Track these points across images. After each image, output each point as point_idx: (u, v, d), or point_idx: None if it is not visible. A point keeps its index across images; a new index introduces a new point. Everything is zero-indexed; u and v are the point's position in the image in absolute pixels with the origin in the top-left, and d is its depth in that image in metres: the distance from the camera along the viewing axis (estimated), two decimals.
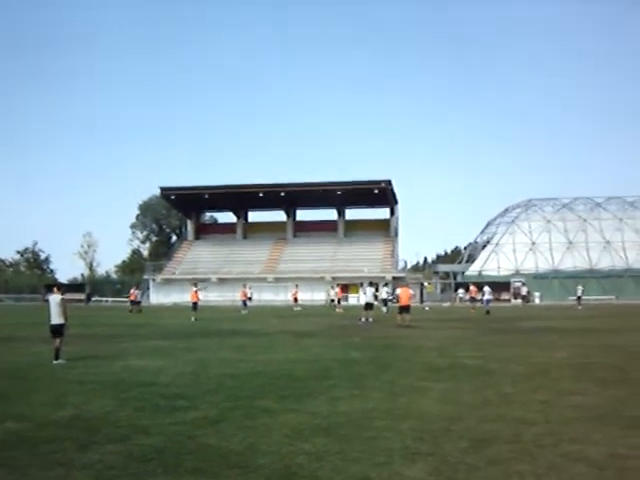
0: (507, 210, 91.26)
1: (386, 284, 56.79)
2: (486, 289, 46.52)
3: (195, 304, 39.20)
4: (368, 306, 33.66)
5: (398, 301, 30.76)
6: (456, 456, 6.99)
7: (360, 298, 33.97)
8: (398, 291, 32.29)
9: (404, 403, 10.13)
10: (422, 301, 67.50)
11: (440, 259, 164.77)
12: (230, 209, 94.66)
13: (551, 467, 6.52)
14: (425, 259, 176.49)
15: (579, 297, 54.02)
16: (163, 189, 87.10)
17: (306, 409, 9.72)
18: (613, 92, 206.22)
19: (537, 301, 73.39)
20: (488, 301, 45.17)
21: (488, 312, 42.27)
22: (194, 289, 40.62)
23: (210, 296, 75.62)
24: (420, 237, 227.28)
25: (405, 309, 29.48)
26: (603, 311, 46.32)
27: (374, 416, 9.13)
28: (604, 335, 23.70)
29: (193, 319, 36.35)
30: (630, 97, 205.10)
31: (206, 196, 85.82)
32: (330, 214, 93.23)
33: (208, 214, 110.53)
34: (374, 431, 8.22)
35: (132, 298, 54.27)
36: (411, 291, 35.16)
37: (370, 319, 32.80)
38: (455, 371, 13.86)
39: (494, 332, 25.93)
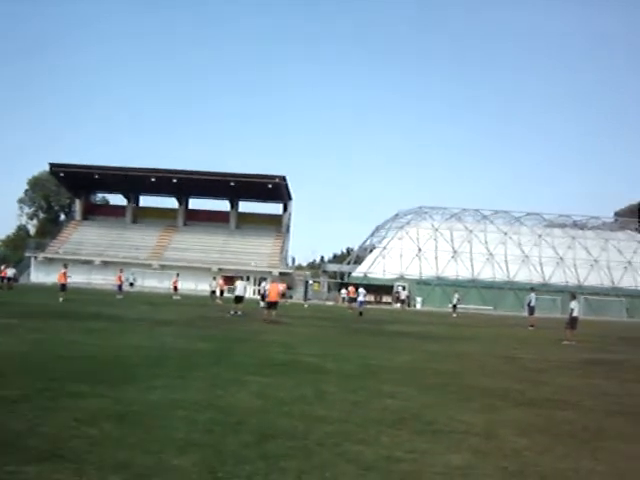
0: (397, 215, 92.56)
1: (264, 279, 56.79)
2: (361, 290, 47.21)
3: (64, 285, 38.22)
4: (238, 299, 33.59)
5: (268, 296, 30.77)
6: (233, 449, 6.94)
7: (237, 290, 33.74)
8: (267, 287, 32.35)
9: (217, 396, 10.05)
10: (305, 298, 67.85)
11: (336, 259, 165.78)
12: (121, 191, 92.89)
13: (320, 465, 6.55)
14: (322, 258, 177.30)
15: (454, 305, 55.27)
16: (52, 165, 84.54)
17: (115, 395, 9.52)
18: (509, 105, 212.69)
19: (418, 306, 74.81)
20: (362, 302, 45.75)
21: (361, 313, 42.88)
22: (62, 270, 39.62)
23: (93, 278, 74.22)
24: (319, 236, 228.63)
25: (273, 305, 29.52)
26: (476, 320, 47.57)
27: (178, 406, 9.01)
28: (461, 343, 24.32)
29: (61, 300, 35.47)
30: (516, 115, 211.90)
31: (96, 176, 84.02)
32: (223, 205, 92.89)
33: (100, 195, 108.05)
34: (167, 421, 8.11)
35: (2, 275, 52.87)
36: (281, 287, 35.33)
37: (239, 312, 32.72)
38: (288, 367, 13.88)
39: (355, 332, 26.31)
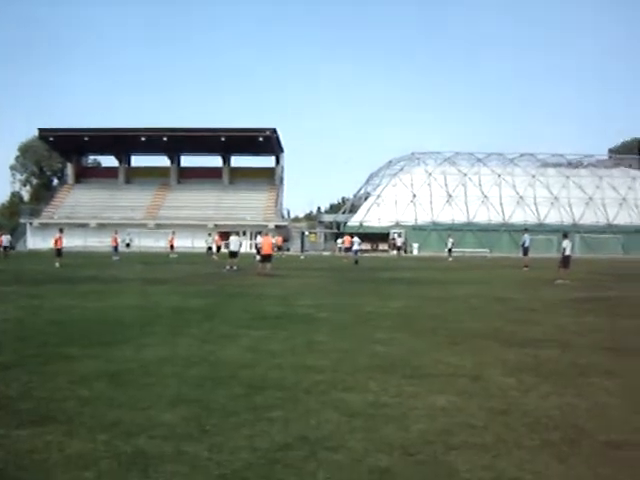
0: (391, 162, 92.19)
1: (260, 233, 56.77)
2: (355, 239, 47.30)
3: (59, 250, 38.12)
4: (232, 254, 33.71)
5: (260, 249, 30.82)
6: (221, 402, 7.05)
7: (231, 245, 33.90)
8: (260, 240, 32.43)
9: (208, 351, 10.16)
10: (302, 250, 68.04)
11: (333, 209, 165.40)
12: (112, 153, 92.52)
13: (305, 414, 6.66)
14: (318, 209, 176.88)
15: (450, 249, 55.41)
16: (42, 130, 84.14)
17: (107, 356, 9.63)
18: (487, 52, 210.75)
19: (415, 252, 75.09)
20: (357, 251, 45.89)
21: (357, 262, 43.10)
22: (58, 235, 39.52)
23: (89, 241, 74.24)
24: (315, 187, 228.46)
25: (267, 258, 29.59)
26: (471, 263, 47.78)
27: (169, 363, 9.12)
28: (454, 286, 24.44)
29: (57, 265, 35.48)
30: (505, 60, 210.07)
31: (86, 139, 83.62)
32: (215, 161, 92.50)
33: (92, 158, 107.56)
34: (158, 377, 8.22)
35: None
36: (273, 240, 35.35)
37: (235, 267, 32.83)
38: (281, 320, 13.99)
39: (350, 281, 26.48)
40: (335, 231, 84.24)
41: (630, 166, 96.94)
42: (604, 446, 5.77)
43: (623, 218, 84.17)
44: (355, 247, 46.35)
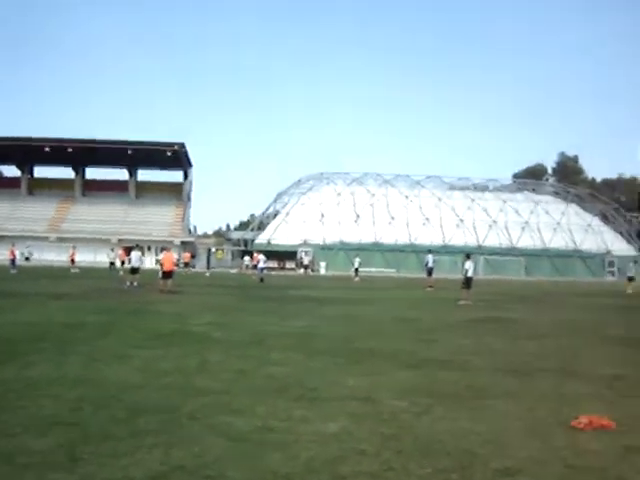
0: (300, 181, 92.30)
1: (165, 249, 55.79)
2: (260, 257, 46.84)
3: None
4: (134, 270, 32.87)
5: (161, 266, 30.10)
6: (100, 427, 6.63)
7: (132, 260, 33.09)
8: (161, 256, 31.75)
9: (96, 370, 9.69)
10: (208, 267, 67.24)
11: (242, 226, 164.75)
12: (14, 163, 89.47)
13: (189, 439, 6.29)
14: (227, 225, 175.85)
15: (356, 269, 55.54)
16: None
17: None
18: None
19: (322, 271, 75.08)
20: (262, 269, 45.48)
21: (262, 280, 42.72)
22: None
23: None
24: (224, 203, 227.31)
25: (168, 275, 28.94)
26: (377, 283, 47.98)
27: (53, 383, 8.66)
28: (358, 306, 24.41)
29: None
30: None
31: None
32: (121, 174, 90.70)
33: None
34: (37, 400, 7.72)
35: None
36: (175, 256, 34.74)
37: (135, 283, 32.00)
38: (177, 338, 13.56)
39: (253, 299, 26.12)
40: (243, 248, 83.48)
41: (533, 191, 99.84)
42: (497, 474, 5.59)
43: (525, 241, 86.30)
44: (261, 265, 45.87)
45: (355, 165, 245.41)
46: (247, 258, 66.15)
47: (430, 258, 41.54)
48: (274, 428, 6.80)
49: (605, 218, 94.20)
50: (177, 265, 48.16)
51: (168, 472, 5.40)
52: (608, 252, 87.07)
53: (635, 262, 52.05)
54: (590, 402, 8.45)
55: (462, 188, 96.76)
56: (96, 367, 9.96)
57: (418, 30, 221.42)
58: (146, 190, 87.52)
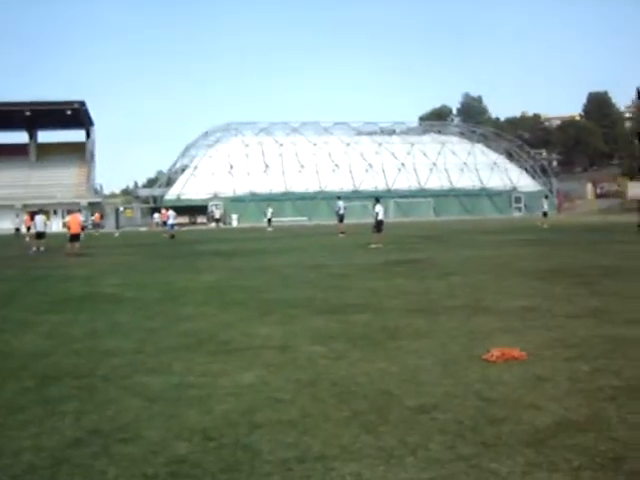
0: (207, 133, 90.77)
1: (72, 211, 54.51)
2: (170, 213, 46.32)
3: None
4: (39, 235, 31.96)
5: (68, 229, 29.32)
6: (8, 398, 6.39)
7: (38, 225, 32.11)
8: (67, 219, 30.97)
9: (2, 340, 9.39)
10: (117, 227, 66.02)
11: (150, 183, 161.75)
12: None
13: (102, 403, 6.14)
14: (135, 183, 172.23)
15: (269, 219, 55.40)
16: None
17: None
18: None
19: (234, 224, 74.67)
20: (172, 225, 44.94)
21: (173, 236, 42.26)
22: None
23: None
24: (131, 161, 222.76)
25: (75, 237, 28.26)
26: (290, 232, 47.94)
27: None
28: (271, 256, 24.48)
29: None
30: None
31: None
32: (21, 137, 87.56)
33: None
34: None
35: None
36: (81, 218, 33.91)
37: (42, 248, 31.14)
38: (85, 302, 13.25)
39: (164, 257, 25.83)
40: (152, 205, 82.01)
41: (439, 132, 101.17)
42: (413, 412, 5.64)
43: (434, 182, 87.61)
44: (170, 221, 45.27)
45: (263, 114, 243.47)
46: (157, 215, 65.26)
47: (341, 204, 41.76)
48: (190, 384, 6.71)
49: (510, 156, 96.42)
50: (85, 227, 47.11)
51: (82, 438, 5.25)
52: (514, 189, 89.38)
53: (546, 197, 53.43)
54: (501, 335, 8.65)
55: (370, 133, 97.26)
56: (2, 337, 9.63)
57: None
58: (48, 152, 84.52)
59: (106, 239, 45.96)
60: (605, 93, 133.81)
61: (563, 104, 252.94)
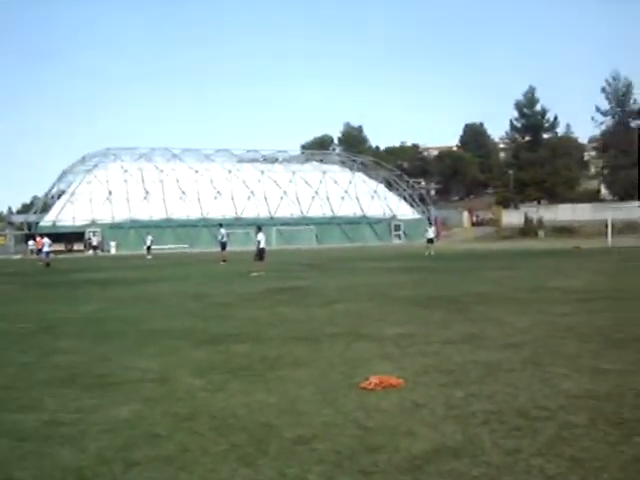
0: (84, 158, 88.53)
1: None
2: (45, 240, 44.91)
3: None
4: None
5: None
6: None
7: None
8: None
9: None
10: None
11: (25, 208, 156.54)
12: None
13: None
14: (9, 208, 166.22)
15: (149, 247, 54.55)
16: None
17: None
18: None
19: (113, 251, 73.13)
20: (47, 253, 43.61)
21: (48, 264, 40.99)
22: None
23: None
24: (4, 185, 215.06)
25: None
26: (170, 260, 47.46)
27: None
28: (150, 285, 24.07)
29: None
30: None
31: None
32: None
33: None
34: None
35: None
36: None
37: None
38: None
39: (38, 286, 25.06)
40: (27, 232, 79.20)
41: (321, 161, 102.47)
42: (292, 443, 5.63)
43: (316, 210, 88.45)
44: (46, 248, 43.85)
45: (142, 139, 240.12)
46: (31, 242, 63.19)
47: (223, 232, 41.60)
48: (63, 421, 6.46)
49: (389, 184, 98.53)
50: None
51: None
52: (394, 216, 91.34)
53: (430, 224, 54.71)
54: (379, 362, 8.78)
55: (252, 160, 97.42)
56: None
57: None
58: None
59: None
60: (481, 125, 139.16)
61: (441, 135, 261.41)
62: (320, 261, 39.45)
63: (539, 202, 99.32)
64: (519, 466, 4.91)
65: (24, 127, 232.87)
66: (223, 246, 40.93)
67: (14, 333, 12.65)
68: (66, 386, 7.98)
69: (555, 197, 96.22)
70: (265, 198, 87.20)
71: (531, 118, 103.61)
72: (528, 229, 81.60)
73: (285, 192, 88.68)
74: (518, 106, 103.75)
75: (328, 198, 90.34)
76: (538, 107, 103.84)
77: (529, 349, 9.49)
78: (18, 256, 66.23)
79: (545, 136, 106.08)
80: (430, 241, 47.03)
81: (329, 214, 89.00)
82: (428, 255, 42.53)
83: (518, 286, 19.46)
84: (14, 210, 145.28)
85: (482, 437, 5.60)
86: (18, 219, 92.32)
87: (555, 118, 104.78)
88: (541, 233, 78.85)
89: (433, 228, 51.31)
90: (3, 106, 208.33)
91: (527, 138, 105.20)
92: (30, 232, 76.29)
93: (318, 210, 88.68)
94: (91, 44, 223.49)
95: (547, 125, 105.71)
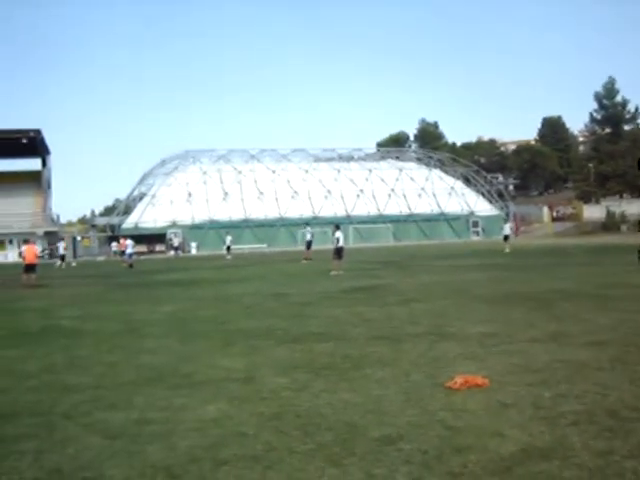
0: (164, 161, 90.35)
1: (27, 241, 53.68)
2: (128, 242, 45.81)
3: None
4: None
5: (23, 259, 28.88)
6: None
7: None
8: (23, 249, 30.48)
9: None
10: (75, 256, 65.22)
11: (107, 211, 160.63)
12: None
13: (62, 441, 6.00)
14: (92, 212, 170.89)
15: (228, 247, 55.17)
16: None
17: None
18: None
19: (193, 251, 74.28)
20: (130, 254, 44.48)
21: (131, 265, 41.82)
22: None
23: None
24: (88, 189, 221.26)
25: (31, 268, 27.83)
26: (249, 260, 47.87)
27: None
28: (231, 285, 24.26)
29: None
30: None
31: None
32: None
33: None
34: None
35: None
36: (37, 248, 33.44)
37: None
38: (42, 335, 12.98)
39: (123, 287, 25.51)
40: (110, 234, 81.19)
41: (397, 158, 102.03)
42: (378, 443, 5.60)
43: (392, 208, 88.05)
44: (129, 250, 44.78)
45: (221, 142, 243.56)
46: (114, 244, 64.60)
47: (308, 230, 41.88)
48: (152, 420, 6.60)
49: (467, 181, 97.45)
50: (42, 257, 46.53)
51: (42, 478, 5.14)
52: (471, 213, 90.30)
53: (506, 221, 53.91)
54: (463, 362, 8.67)
55: (328, 159, 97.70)
56: None
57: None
58: (3, 181, 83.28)
59: (63, 269, 45.36)
60: (559, 118, 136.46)
61: (518, 129, 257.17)
62: (397, 259, 39.25)
63: (621, 196, 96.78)
64: (611, 468, 4.78)
65: (106, 133, 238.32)
66: (308, 245, 41.16)
67: (101, 333, 12.96)
68: (153, 385, 8.14)
69: (638, 190, 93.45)
70: (342, 197, 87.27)
71: (611, 110, 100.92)
72: (610, 224, 79.29)
73: (362, 190, 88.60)
74: (598, 98, 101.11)
75: (405, 195, 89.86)
76: (618, 98, 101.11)
77: (616, 347, 9.24)
78: (102, 258, 67.92)
79: (626, 128, 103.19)
80: (506, 238, 46.11)
81: (406, 211, 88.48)
82: (508, 252, 41.66)
83: (600, 283, 18.97)
84: (97, 213, 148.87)
85: (572, 438, 5.47)
86: (101, 221, 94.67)
87: (636, 109, 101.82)
88: (624, 228, 76.54)
89: (509, 224, 50.35)
90: (85, 113, 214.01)
91: (607, 130, 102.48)
92: (113, 234, 78.20)
93: (395, 208, 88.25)
94: (172, 52, 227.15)
95: (628, 116, 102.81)
